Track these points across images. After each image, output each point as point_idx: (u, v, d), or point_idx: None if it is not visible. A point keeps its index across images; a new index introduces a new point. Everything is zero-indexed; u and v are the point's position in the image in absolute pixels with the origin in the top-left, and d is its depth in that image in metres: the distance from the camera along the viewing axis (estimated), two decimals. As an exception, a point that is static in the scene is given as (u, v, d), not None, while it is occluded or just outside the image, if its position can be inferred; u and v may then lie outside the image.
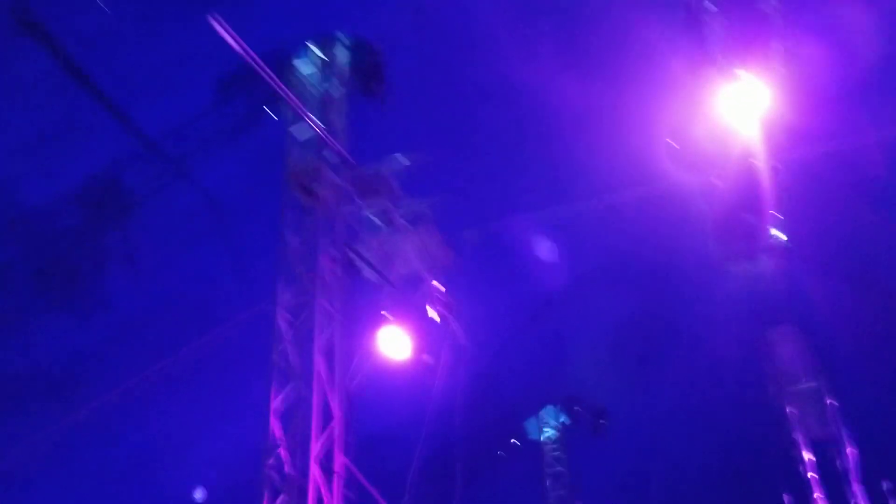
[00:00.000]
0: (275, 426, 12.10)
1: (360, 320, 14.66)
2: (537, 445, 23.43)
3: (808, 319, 20.24)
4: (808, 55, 16.47)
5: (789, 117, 16.22)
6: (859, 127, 17.94)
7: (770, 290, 20.75)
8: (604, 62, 18.84)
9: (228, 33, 12.18)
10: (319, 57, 16.51)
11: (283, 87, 15.13)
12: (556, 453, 23.32)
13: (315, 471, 11.50)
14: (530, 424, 23.46)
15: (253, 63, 13.14)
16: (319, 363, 12.72)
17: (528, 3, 18.25)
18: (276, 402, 12.30)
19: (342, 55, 16.51)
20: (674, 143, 16.12)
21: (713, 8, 14.38)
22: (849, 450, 17.90)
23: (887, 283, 24.19)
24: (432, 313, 15.67)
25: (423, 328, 15.32)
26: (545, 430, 23.33)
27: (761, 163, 16.53)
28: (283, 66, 16.22)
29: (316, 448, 11.65)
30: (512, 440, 23.75)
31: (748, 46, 14.59)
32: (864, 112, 18.67)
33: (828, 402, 18.30)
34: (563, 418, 23.10)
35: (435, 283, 16.08)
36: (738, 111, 15.02)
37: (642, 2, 16.80)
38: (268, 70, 13.85)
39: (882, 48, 17.95)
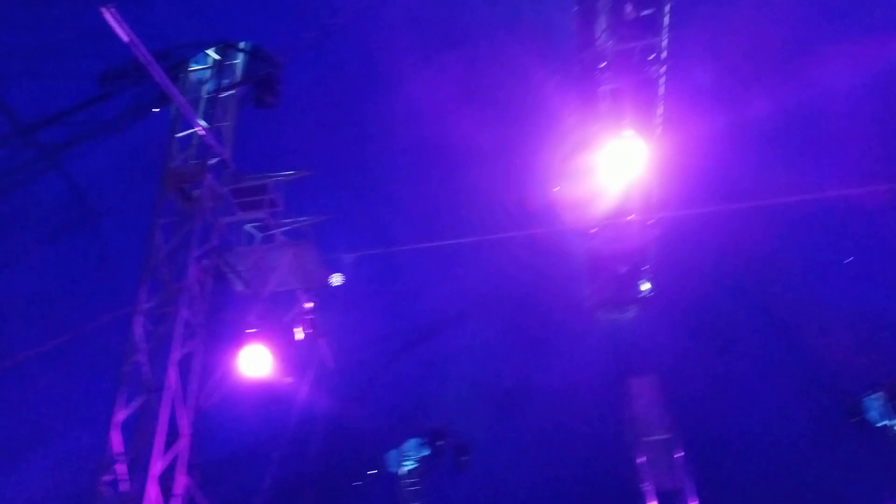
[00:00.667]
0: (115, 440, 11.34)
1: (225, 335, 14.14)
2: (395, 478, 23.06)
3: (666, 372, 21.00)
4: (692, 121, 17.36)
5: (669, 178, 17.00)
6: (737, 193, 18.83)
7: (634, 340, 21.55)
8: (498, 104, 19.20)
9: (121, 26, 11.70)
10: (215, 62, 16.09)
11: (171, 85, 14.62)
12: (414, 487, 23.03)
13: (152, 490, 10.82)
14: (391, 456, 23.11)
15: (143, 58, 12.64)
16: (173, 377, 12.08)
17: (431, 38, 18.45)
18: (120, 415, 11.57)
19: (239, 63, 16.16)
20: (558, 191, 16.61)
21: (605, 67, 14.99)
22: (691, 502, 18.61)
23: (744, 347, 25.45)
24: (300, 334, 15.33)
25: (289, 348, 14.95)
26: (405, 462, 23.02)
27: (637, 217, 17.27)
28: (176, 67, 15.69)
29: (157, 467, 10.98)
30: (370, 471, 23.35)
31: (634, 107, 15.26)
32: (742, 179, 19.64)
33: (676, 454, 19.01)
34: (425, 452, 22.92)
35: (307, 303, 15.77)
36: (619, 166, 15.66)
37: (541, 52, 17.27)
38: (157, 67, 13.35)
39: (768, 116, 18.97)
